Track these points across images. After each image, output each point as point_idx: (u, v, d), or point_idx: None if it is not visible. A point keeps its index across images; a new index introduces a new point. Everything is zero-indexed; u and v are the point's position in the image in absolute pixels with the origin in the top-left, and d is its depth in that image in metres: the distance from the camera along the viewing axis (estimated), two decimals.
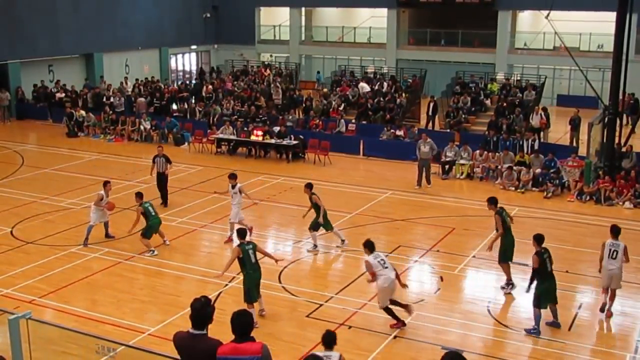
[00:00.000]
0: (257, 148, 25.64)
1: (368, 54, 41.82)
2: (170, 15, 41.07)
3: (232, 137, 26.16)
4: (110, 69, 37.23)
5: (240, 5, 43.82)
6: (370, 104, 30.03)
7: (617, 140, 21.68)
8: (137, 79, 35.58)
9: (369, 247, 12.12)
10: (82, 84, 34.80)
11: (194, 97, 33.91)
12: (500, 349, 11.53)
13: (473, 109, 29.93)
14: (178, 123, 28.19)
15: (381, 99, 30.46)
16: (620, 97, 22.17)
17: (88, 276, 14.28)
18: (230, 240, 16.12)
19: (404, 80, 34.43)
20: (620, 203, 19.81)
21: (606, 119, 21.41)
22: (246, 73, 38.60)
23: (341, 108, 30.34)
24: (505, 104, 28.64)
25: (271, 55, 44.42)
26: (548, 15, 21.79)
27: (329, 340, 8.93)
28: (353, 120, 28.89)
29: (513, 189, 21.21)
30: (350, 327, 12.15)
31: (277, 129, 25.96)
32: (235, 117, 28.94)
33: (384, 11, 40.73)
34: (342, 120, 27.88)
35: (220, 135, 26.37)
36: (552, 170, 21.34)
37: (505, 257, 13.89)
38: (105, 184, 16.57)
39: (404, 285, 12.25)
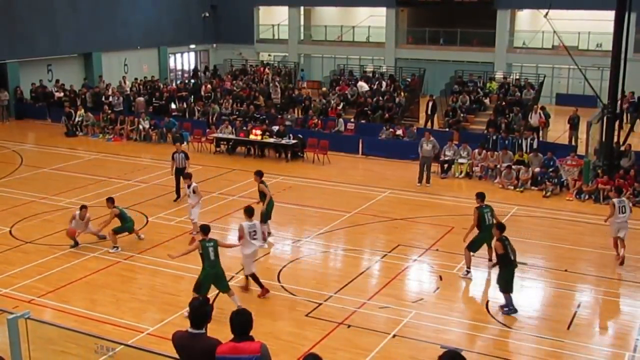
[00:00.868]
0: (256, 147, 25.63)
1: (367, 53, 41.83)
2: (169, 15, 41.05)
3: (231, 136, 26.16)
4: (109, 69, 37.21)
5: (239, 5, 43.80)
6: (369, 103, 30.04)
7: (615, 139, 21.70)
8: (136, 78, 35.58)
9: (249, 213, 13.21)
10: (81, 84, 34.79)
11: (192, 97, 33.91)
12: (500, 348, 11.53)
13: (473, 107, 29.95)
14: (177, 122, 28.19)
15: (380, 98, 30.46)
16: (620, 96, 22.18)
17: (87, 276, 14.27)
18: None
19: (402, 79, 34.45)
20: None
21: (605, 118, 21.42)
22: (245, 72, 38.60)
23: (340, 107, 30.34)
24: (504, 103, 28.66)
25: (269, 55, 44.41)
26: (547, 14, 21.81)
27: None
28: (352, 120, 28.89)
29: (512, 188, 21.22)
30: (349, 326, 12.15)
31: (276, 128, 25.95)
32: (235, 116, 28.94)
33: (382, 10, 40.73)
34: (341, 120, 27.89)
35: (219, 135, 26.36)
36: (551, 169, 21.35)
37: (472, 247, 14.46)
38: (82, 208, 15.89)
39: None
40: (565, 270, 14.75)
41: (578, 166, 20.90)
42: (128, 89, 34.26)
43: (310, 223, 18.04)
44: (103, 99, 31.86)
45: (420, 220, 18.34)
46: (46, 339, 10.81)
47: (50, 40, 33.52)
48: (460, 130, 27.03)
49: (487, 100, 30.64)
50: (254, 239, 13.04)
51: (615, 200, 15.39)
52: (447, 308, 13.04)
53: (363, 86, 32.37)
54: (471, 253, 14.41)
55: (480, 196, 14.74)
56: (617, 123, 21.70)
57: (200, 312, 6.23)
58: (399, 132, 26.20)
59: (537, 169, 21.52)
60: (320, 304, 13.01)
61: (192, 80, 39.00)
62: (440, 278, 14.41)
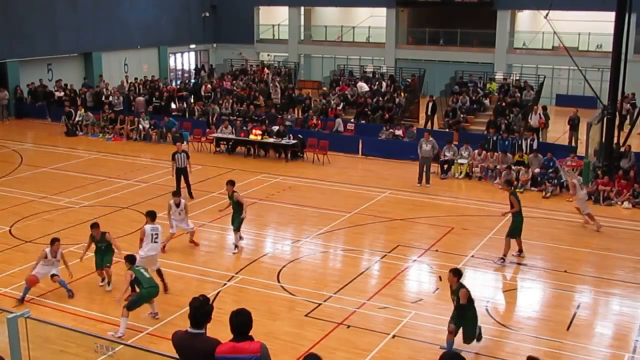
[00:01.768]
0: (256, 147, 25.63)
1: (367, 54, 41.83)
2: (169, 15, 41.06)
3: (230, 136, 26.16)
4: (109, 68, 37.23)
5: (239, 5, 43.81)
6: (369, 104, 30.05)
7: (615, 140, 21.71)
8: (136, 78, 35.58)
9: (151, 216, 13.46)
10: (81, 83, 34.79)
11: (192, 97, 33.91)
12: (499, 349, 11.53)
13: (473, 107, 29.96)
14: (176, 122, 28.19)
15: (380, 98, 30.47)
16: (620, 97, 22.19)
17: (87, 275, 14.26)
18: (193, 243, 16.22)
19: (402, 79, 34.45)
20: (619, 203, 19.82)
21: (605, 118, 21.42)
22: (245, 72, 38.60)
23: (340, 107, 30.34)
24: (504, 104, 28.67)
25: (269, 55, 44.40)
26: (547, 15, 21.81)
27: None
28: (352, 120, 28.90)
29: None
30: (348, 326, 12.15)
31: (275, 128, 25.96)
32: (235, 116, 28.93)
33: (382, 10, 40.74)
34: (339, 120, 27.87)
35: (219, 135, 26.37)
36: (550, 170, 21.35)
37: (515, 233, 15.15)
38: (53, 242, 13.30)
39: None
40: (565, 271, 14.75)
41: (578, 167, 20.90)
42: (126, 89, 34.22)
43: (309, 223, 18.04)
44: (103, 98, 31.87)
45: (420, 221, 18.34)
46: (46, 338, 10.81)
47: (50, 40, 33.54)
48: (460, 131, 27.04)
49: (487, 101, 30.65)
50: (155, 242, 13.26)
51: (575, 180, 17.89)
52: (447, 309, 12.99)
53: (363, 86, 32.37)
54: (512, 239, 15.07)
55: (510, 183, 16.02)
56: (617, 124, 21.71)
57: (200, 312, 6.22)
58: (399, 132, 26.20)
59: (537, 170, 21.52)
60: (319, 304, 13.01)
61: (193, 80, 39.00)
62: (440, 278, 14.39)
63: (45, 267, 13.19)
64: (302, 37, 44.37)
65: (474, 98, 30.43)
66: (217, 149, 26.27)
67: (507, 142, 23.79)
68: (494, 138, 24.40)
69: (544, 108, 27.70)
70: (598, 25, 33.72)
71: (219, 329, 6.69)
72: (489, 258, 15.30)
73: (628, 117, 28.89)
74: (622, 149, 21.81)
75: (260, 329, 11.45)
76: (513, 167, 21.61)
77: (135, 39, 38.73)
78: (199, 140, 26.62)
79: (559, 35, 27.53)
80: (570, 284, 14.23)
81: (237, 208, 15.60)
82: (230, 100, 31.18)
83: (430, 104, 29.52)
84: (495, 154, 22.82)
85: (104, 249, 13.65)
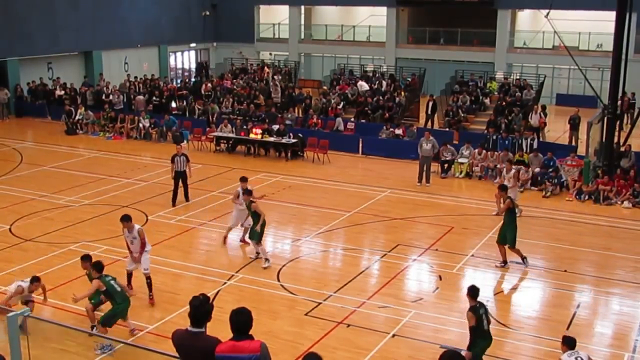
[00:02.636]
0: (256, 146, 25.63)
1: (367, 53, 41.81)
2: (169, 13, 41.05)
3: (231, 135, 26.16)
4: (110, 67, 37.22)
5: (239, 4, 43.80)
6: (369, 103, 30.04)
7: (615, 140, 21.70)
8: (136, 77, 35.57)
9: (125, 220, 12.86)
10: (81, 82, 34.78)
11: (192, 95, 33.88)
12: (499, 348, 11.52)
13: (473, 107, 29.95)
14: (176, 121, 28.19)
15: (380, 97, 30.46)
16: (620, 96, 22.18)
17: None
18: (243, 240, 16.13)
19: (403, 78, 34.43)
20: (619, 202, 19.82)
21: (605, 118, 21.42)
22: (245, 71, 38.59)
23: (340, 107, 30.33)
24: (504, 103, 28.66)
25: (270, 54, 44.36)
26: (547, 14, 21.79)
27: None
28: (352, 119, 28.89)
29: None
30: (348, 325, 12.15)
31: (276, 127, 25.95)
32: (235, 115, 28.91)
33: (383, 10, 40.73)
34: (340, 119, 27.87)
35: (219, 134, 26.36)
36: (551, 170, 21.35)
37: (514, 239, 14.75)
38: (34, 280, 11.98)
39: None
40: (565, 271, 14.75)
41: (578, 166, 20.90)
42: (127, 88, 34.21)
43: (310, 222, 18.04)
44: (103, 97, 31.86)
45: (420, 220, 18.33)
46: (45, 337, 10.82)
47: (50, 38, 33.53)
48: (460, 130, 27.03)
49: (487, 100, 30.65)
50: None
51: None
52: (447, 308, 13.04)
53: (363, 85, 32.36)
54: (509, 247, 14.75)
55: (504, 188, 15.09)
56: (625, 122, 21.69)
57: (200, 310, 6.21)
58: (399, 131, 26.20)
59: (537, 169, 21.52)
60: (319, 303, 13.01)
61: (194, 80, 38.96)
62: (440, 278, 14.41)
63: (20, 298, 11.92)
64: (302, 36, 44.37)
65: (474, 97, 30.41)
66: (217, 148, 26.26)
67: (507, 142, 23.79)
68: (494, 137, 24.40)
69: (543, 107, 27.70)
70: (598, 25, 33.72)
71: (219, 328, 6.68)
72: (489, 257, 15.30)
73: (626, 116, 28.91)
74: (623, 149, 21.81)
75: (260, 328, 11.45)
76: (513, 167, 21.58)
77: (136, 37, 38.71)
78: (199, 139, 26.62)
79: (559, 35, 27.51)
80: (570, 284, 14.23)
81: (255, 219, 14.73)
82: (231, 99, 31.18)
83: (431, 103, 29.52)
84: (496, 153, 22.82)
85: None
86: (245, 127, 26.29)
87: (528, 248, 16.02)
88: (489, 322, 10.31)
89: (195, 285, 13.64)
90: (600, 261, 15.55)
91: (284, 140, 24.96)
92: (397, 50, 40.78)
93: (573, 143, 25.63)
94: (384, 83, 32.90)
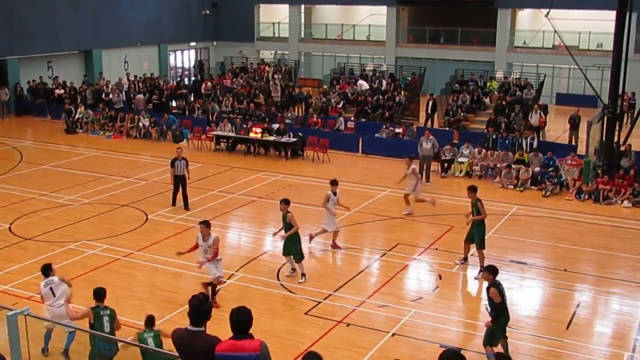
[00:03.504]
0: (256, 145, 25.63)
1: (367, 52, 41.78)
2: (169, 12, 41.03)
3: (231, 134, 26.15)
4: (110, 66, 37.19)
5: (239, 3, 43.78)
6: (369, 102, 30.03)
7: (615, 139, 21.69)
8: (135, 76, 35.56)
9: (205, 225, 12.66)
10: (81, 81, 34.76)
11: (192, 94, 33.90)
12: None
13: (473, 106, 29.94)
14: (176, 120, 28.18)
15: (380, 96, 30.45)
16: (620, 95, 22.16)
17: (86, 273, 14.27)
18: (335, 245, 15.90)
19: (403, 78, 34.42)
20: (619, 202, 19.82)
21: (605, 117, 21.41)
22: (245, 70, 38.58)
23: (340, 106, 30.33)
24: (504, 103, 28.65)
25: (276, 52, 44.28)
26: (548, 13, 21.78)
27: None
28: (352, 118, 28.88)
29: (512, 187, 21.20)
30: (348, 324, 12.15)
31: (276, 126, 25.94)
32: (235, 114, 28.91)
33: (383, 9, 40.71)
34: (341, 118, 27.87)
35: (219, 133, 26.35)
36: (550, 169, 21.35)
37: (483, 242, 14.64)
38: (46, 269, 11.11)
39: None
40: (565, 270, 14.75)
41: (578, 166, 20.90)
42: (126, 86, 34.18)
43: (309, 221, 18.01)
44: (103, 96, 31.85)
45: (420, 219, 18.33)
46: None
47: (50, 37, 33.50)
48: (460, 130, 27.02)
49: (487, 100, 30.64)
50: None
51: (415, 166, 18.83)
52: (447, 307, 13.04)
53: (363, 85, 32.35)
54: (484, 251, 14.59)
55: (474, 189, 14.93)
56: (617, 123, 21.69)
57: (200, 309, 6.21)
58: (399, 130, 26.18)
59: (537, 169, 21.51)
60: (319, 302, 13.01)
61: (193, 78, 38.95)
62: (440, 277, 14.41)
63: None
64: (302, 35, 44.35)
65: (474, 97, 30.39)
66: (217, 147, 26.26)
67: (507, 141, 23.78)
68: (494, 137, 24.39)
69: (543, 107, 27.68)
70: (598, 24, 33.68)
71: (219, 327, 6.68)
72: (489, 257, 15.25)
73: (626, 115, 28.89)
74: (623, 148, 21.80)
75: (260, 327, 11.44)
76: (513, 166, 21.60)
77: (136, 36, 38.69)
78: (199, 138, 26.61)
79: (559, 34, 27.47)
80: (570, 283, 14.23)
81: (287, 229, 13.98)
82: (231, 98, 31.17)
83: (431, 103, 29.51)
84: (496, 152, 22.82)
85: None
86: (245, 126, 26.28)
87: (528, 247, 16.04)
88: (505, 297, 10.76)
89: (195, 285, 13.61)
90: (600, 260, 15.55)
91: (283, 140, 24.96)
92: (397, 49, 40.76)
93: (573, 142, 25.61)
94: (384, 82, 32.89)
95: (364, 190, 20.93)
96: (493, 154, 22.75)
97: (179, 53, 43.78)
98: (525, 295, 13.75)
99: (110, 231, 16.72)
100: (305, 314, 12.57)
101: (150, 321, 10.02)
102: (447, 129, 27.58)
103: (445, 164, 22.90)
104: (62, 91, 32.86)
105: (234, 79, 36.03)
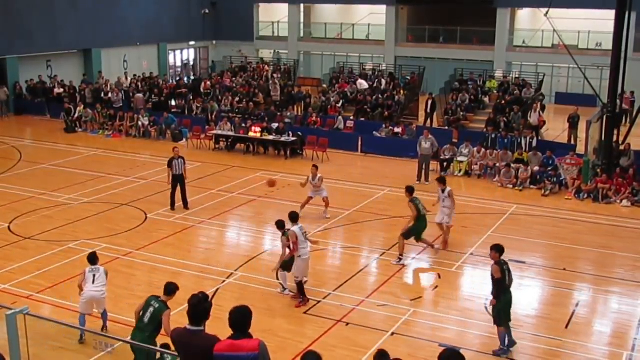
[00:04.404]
0: (256, 144, 25.63)
1: (367, 51, 41.78)
2: (168, 11, 41.04)
3: (230, 133, 26.15)
4: (109, 65, 37.18)
5: (238, 2, 43.79)
6: (368, 101, 30.03)
7: (615, 139, 21.70)
8: (135, 75, 35.56)
9: (293, 219, 13.08)
10: (80, 80, 34.75)
11: (192, 94, 33.87)
12: (499, 346, 11.53)
13: (472, 105, 29.95)
14: (176, 119, 28.17)
15: (380, 96, 30.45)
16: (619, 94, 22.17)
17: None
18: None
19: (402, 77, 34.43)
20: (618, 201, 19.83)
21: (604, 117, 21.42)
22: (244, 69, 38.57)
23: (339, 105, 30.32)
24: (503, 102, 28.65)
25: (276, 51, 44.26)
26: (547, 13, 21.79)
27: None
28: (351, 117, 28.88)
29: (511, 186, 21.21)
30: (347, 324, 12.15)
31: (275, 125, 25.94)
32: (234, 114, 28.90)
33: (382, 8, 40.71)
34: (341, 117, 27.87)
35: (219, 132, 26.34)
36: (550, 168, 21.36)
37: (408, 235, 15.02)
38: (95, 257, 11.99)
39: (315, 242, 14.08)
40: (564, 269, 14.76)
41: (577, 165, 20.91)
42: (124, 85, 34.16)
43: (309, 220, 18.00)
44: (102, 95, 31.84)
45: None
46: (44, 335, 10.81)
47: (49, 36, 33.50)
48: (459, 129, 27.02)
49: (486, 99, 30.64)
50: (306, 241, 12.99)
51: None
52: (446, 306, 13.05)
53: (363, 84, 32.35)
54: (405, 241, 15.04)
55: (410, 190, 15.37)
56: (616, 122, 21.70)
57: (199, 309, 6.22)
58: (398, 130, 26.19)
59: (536, 168, 21.52)
60: (318, 302, 13.01)
61: (193, 77, 38.95)
62: (439, 276, 14.42)
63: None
64: (301, 35, 44.35)
65: (473, 96, 30.40)
66: (217, 146, 26.26)
67: (506, 140, 23.79)
68: (493, 136, 24.40)
69: (542, 106, 27.69)
70: (598, 24, 33.70)
71: (218, 326, 6.68)
72: (488, 256, 15.27)
73: (625, 115, 28.89)
74: (622, 148, 21.81)
75: (259, 326, 11.44)
76: (512, 165, 21.61)
77: (135, 35, 38.70)
78: (199, 138, 26.61)
79: (558, 34, 27.50)
80: (569, 282, 14.24)
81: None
82: (230, 98, 31.16)
83: (430, 102, 29.52)
84: (495, 151, 22.83)
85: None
86: (244, 125, 26.28)
87: (527, 247, 16.04)
88: (511, 281, 11.16)
89: (194, 284, 13.61)
90: (599, 260, 15.56)
91: (283, 139, 24.96)
92: (397, 48, 40.76)
93: (572, 142, 25.63)
94: (384, 81, 32.90)
95: (363, 189, 20.94)
96: (492, 153, 22.76)
97: (178, 52, 43.78)
98: (525, 295, 13.74)
99: (110, 230, 16.73)
100: (305, 313, 12.58)
101: (168, 290, 10.26)
102: (447, 128, 27.59)
103: (445, 164, 22.91)
104: (62, 90, 32.85)
105: (234, 78, 36.02)
